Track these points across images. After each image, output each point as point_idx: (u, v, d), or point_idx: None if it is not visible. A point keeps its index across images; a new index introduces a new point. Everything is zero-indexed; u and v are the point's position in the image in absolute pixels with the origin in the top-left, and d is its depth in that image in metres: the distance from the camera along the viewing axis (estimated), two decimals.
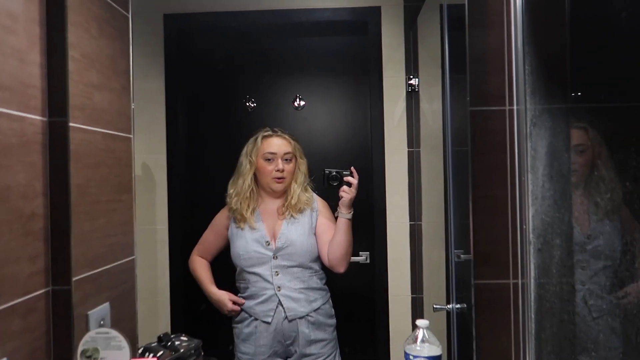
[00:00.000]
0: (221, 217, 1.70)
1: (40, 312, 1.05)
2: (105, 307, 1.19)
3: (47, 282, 1.07)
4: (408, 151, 1.93)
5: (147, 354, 1.28)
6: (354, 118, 2.03)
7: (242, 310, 1.63)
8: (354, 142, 2.02)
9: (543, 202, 0.92)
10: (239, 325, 1.64)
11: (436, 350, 1.22)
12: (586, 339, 1.00)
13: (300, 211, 1.63)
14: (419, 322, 1.26)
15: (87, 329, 1.11)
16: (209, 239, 1.72)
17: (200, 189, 2.04)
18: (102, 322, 1.16)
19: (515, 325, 1.06)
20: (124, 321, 1.29)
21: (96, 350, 1.00)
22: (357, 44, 1.99)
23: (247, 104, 2.00)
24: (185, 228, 1.96)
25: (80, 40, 1.11)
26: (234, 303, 1.63)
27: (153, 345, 1.32)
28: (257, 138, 1.66)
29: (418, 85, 1.87)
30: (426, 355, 1.21)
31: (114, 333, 0.99)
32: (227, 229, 1.67)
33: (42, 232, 1.06)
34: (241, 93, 2.01)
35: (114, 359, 1.01)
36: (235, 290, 1.66)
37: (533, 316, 0.96)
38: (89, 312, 1.13)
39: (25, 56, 1.01)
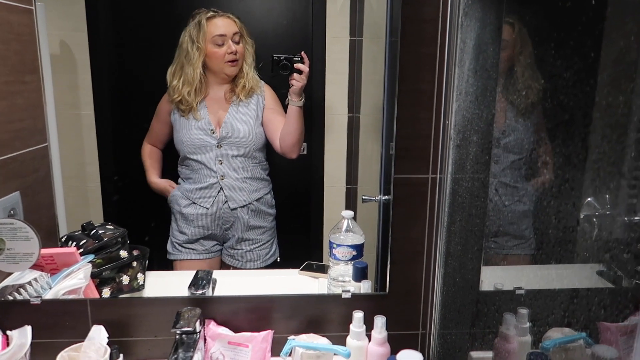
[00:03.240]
0: (163, 105, 1.62)
1: None
2: (14, 196, 1.13)
3: None
4: (350, 40, 1.84)
5: (70, 242, 1.26)
6: (294, 1, 1.89)
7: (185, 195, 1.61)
8: (294, 27, 1.90)
9: (466, 97, 0.90)
10: (177, 206, 1.63)
11: (359, 239, 1.27)
12: (500, 223, 1.07)
13: (250, 95, 1.58)
14: (344, 212, 1.29)
15: None
16: (155, 127, 1.64)
17: (128, 71, 1.90)
18: (11, 212, 1.11)
19: (430, 218, 1.09)
20: (41, 210, 1.25)
21: (1, 241, 0.96)
22: None
23: None
24: (114, 113, 1.85)
25: None
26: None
27: (77, 233, 1.30)
28: (199, 21, 1.53)
29: None
30: (349, 244, 1.26)
31: (20, 224, 0.95)
32: (170, 115, 1.59)
33: None
34: None
35: (22, 250, 0.98)
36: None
37: (447, 210, 0.98)
38: None
39: None
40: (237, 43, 1.56)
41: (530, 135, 0.99)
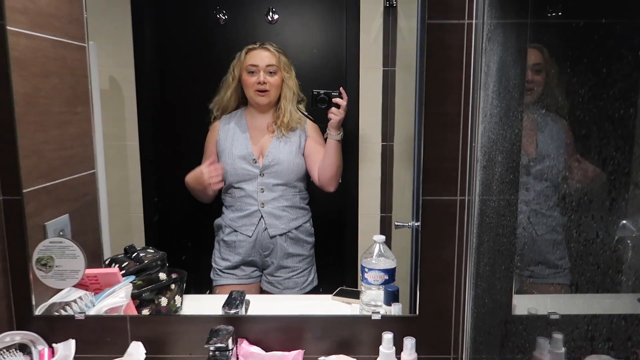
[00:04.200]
0: (212, 134, 1.68)
1: None
2: (64, 218, 1.20)
3: None
4: (383, 70, 1.88)
5: (112, 264, 1.32)
6: (329, 34, 1.96)
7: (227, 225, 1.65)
8: (328, 59, 1.95)
9: (491, 119, 0.91)
10: (221, 234, 1.68)
11: (391, 263, 1.27)
12: (533, 252, 1.05)
13: (292, 129, 1.63)
14: (375, 237, 1.30)
15: (45, 239, 1.13)
16: (208, 151, 1.70)
17: (172, 105, 1.99)
18: (61, 233, 1.18)
19: (459, 239, 1.09)
20: (87, 233, 1.32)
21: (51, 258, 1.03)
22: None
23: (218, 15, 1.91)
24: (157, 145, 1.94)
25: None
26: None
27: (119, 256, 1.36)
28: (241, 52, 1.63)
29: (396, 0, 1.79)
30: (381, 268, 1.26)
31: (68, 242, 1.01)
32: (216, 144, 1.66)
33: None
34: (211, 3, 1.91)
35: (69, 267, 1.04)
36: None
37: (475, 231, 0.98)
38: (46, 223, 1.15)
39: None
40: (272, 74, 1.62)
41: (562, 162, 0.99)
